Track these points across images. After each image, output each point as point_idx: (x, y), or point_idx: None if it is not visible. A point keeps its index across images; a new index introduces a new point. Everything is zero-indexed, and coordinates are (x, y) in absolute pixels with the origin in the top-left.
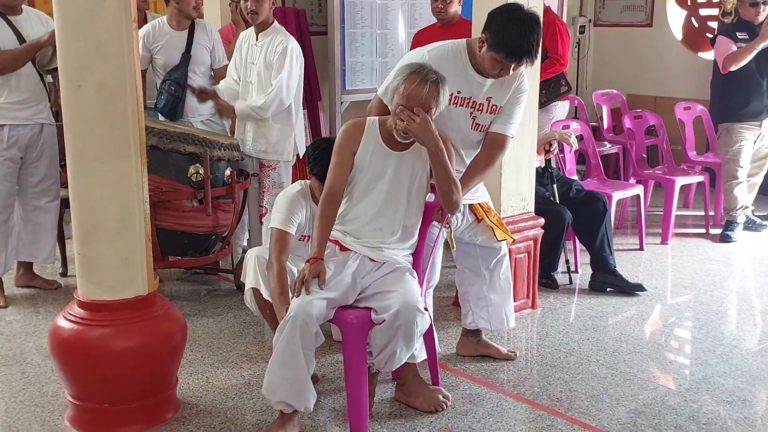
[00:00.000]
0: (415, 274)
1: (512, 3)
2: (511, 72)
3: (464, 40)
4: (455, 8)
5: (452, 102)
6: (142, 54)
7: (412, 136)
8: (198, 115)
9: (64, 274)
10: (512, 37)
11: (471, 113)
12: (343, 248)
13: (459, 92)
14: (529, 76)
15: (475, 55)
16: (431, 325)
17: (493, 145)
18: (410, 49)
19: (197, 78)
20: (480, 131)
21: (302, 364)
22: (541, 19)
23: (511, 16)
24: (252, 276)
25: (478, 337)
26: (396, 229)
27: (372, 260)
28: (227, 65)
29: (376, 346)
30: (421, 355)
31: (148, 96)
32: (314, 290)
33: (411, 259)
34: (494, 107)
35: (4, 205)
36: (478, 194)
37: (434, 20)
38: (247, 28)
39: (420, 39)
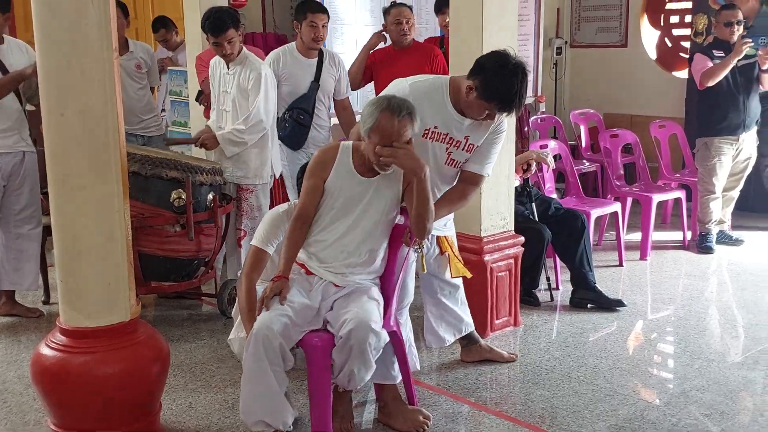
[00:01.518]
0: (377, 294)
1: (501, 52)
2: (493, 118)
3: (447, 77)
4: (413, 32)
5: (429, 136)
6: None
7: (401, 168)
8: (315, 146)
9: (46, 302)
10: (504, 90)
11: (447, 149)
12: (308, 272)
13: (436, 127)
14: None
15: (457, 93)
16: (403, 344)
17: (468, 182)
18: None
19: (323, 108)
20: (455, 167)
21: (272, 379)
22: (527, 67)
23: (502, 67)
24: (241, 327)
25: (478, 343)
26: (362, 253)
27: (336, 285)
28: (348, 98)
29: (336, 365)
30: (399, 376)
31: (126, 122)
32: (277, 307)
33: (378, 282)
34: (471, 146)
35: None
36: (447, 226)
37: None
38: None
39: (375, 60)
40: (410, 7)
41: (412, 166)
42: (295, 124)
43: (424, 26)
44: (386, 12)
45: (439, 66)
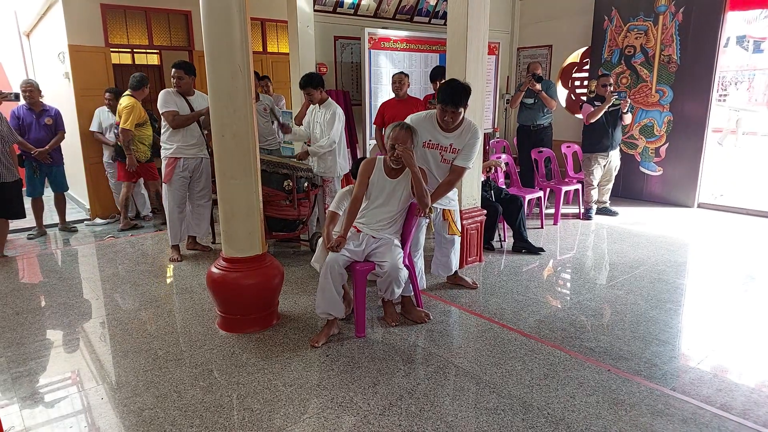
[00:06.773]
0: (399, 245)
1: (453, 78)
2: (451, 117)
3: (434, 111)
4: (406, 89)
5: (427, 146)
6: None
7: (402, 159)
8: None
9: (213, 242)
10: (448, 95)
11: (440, 153)
12: (358, 230)
13: (430, 141)
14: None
15: (440, 119)
16: (414, 272)
17: (455, 173)
18: (378, 112)
19: None
20: (446, 163)
21: (333, 289)
22: (471, 88)
23: (450, 83)
24: (320, 254)
25: (456, 274)
26: (391, 221)
27: (374, 237)
28: None
29: (381, 287)
30: (409, 291)
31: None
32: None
33: (398, 236)
34: (455, 149)
35: (180, 203)
36: (451, 204)
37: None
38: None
39: (385, 107)
40: (407, 75)
41: (407, 159)
42: None
43: (420, 87)
44: (392, 77)
45: (420, 110)
